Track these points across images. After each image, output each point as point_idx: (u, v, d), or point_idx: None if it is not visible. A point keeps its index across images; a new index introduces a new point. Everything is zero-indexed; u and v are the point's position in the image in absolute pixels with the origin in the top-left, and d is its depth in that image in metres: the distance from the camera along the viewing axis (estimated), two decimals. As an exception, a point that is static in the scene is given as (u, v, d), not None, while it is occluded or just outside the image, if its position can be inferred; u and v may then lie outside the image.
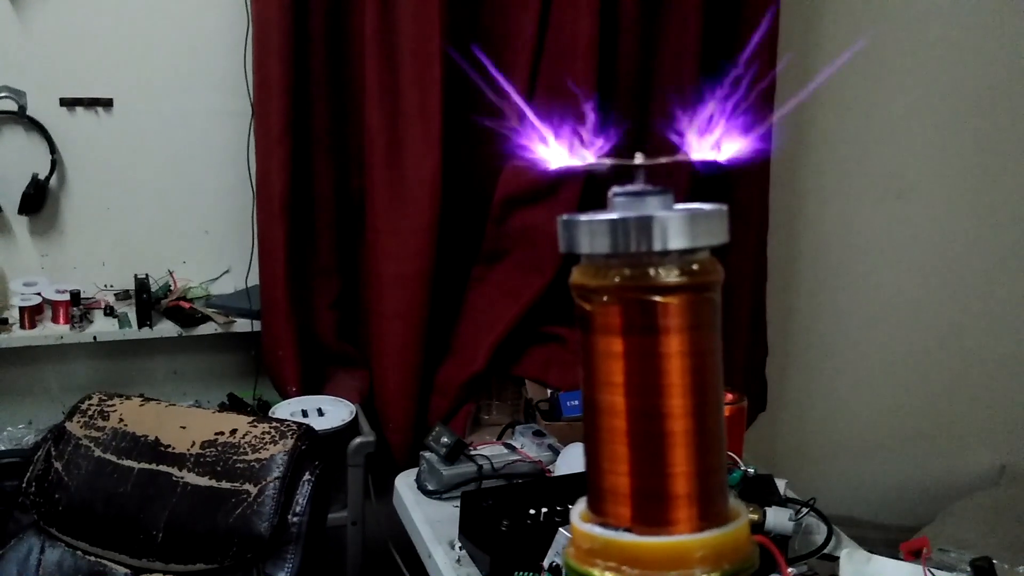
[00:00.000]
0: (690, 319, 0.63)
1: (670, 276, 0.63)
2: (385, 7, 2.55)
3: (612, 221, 0.63)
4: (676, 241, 0.62)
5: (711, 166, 0.69)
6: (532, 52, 2.62)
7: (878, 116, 3.31)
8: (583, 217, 0.64)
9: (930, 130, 3.37)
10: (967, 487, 3.47)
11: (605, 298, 0.64)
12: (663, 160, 0.65)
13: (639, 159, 0.64)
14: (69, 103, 2.65)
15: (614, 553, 0.64)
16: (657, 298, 0.62)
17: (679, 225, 0.62)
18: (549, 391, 2.65)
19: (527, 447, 2.30)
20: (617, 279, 0.63)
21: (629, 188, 0.65)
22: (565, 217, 0.65)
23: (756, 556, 0.66)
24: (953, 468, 3.61)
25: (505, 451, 2.28)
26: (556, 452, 2.27)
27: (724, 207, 0.65)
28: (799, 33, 3.08)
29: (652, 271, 0.62)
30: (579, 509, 0.69)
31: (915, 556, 1.80)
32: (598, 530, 0.66)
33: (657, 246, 0.62)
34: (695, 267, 0.63)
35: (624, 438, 0.64)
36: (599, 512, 0.66)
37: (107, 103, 2.68)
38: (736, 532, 0.65)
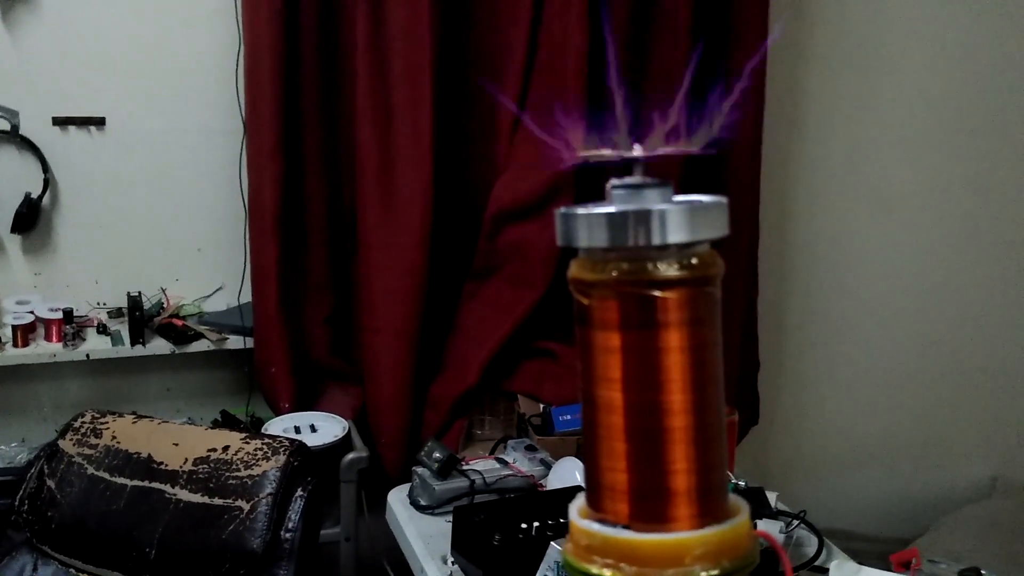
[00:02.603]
0: (689, 313, 0.62)
1: (669, 270, 0.62)
2: (376, 24, 2.56)
3: (610, 214, 0.62)
4: (675, 235, 0.61)
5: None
6: (523, 67, 2.63)
7: (866, 130, 3.32)
8: (581, 210, 0.63)
9: (919, 143, 3.38)
10: (959, 499, 3.47)
11: (603, 292, 0.63)
12: (661, 152, 0.64)
13: (637, 151, 0.64)
14: (62, 122, 2.66)
15: (612, 550, 0.64)
16: (656, 292, 0.61)
17: (678, 218, 0.61)
18: (542, 406, 2.65)
19: (519, 462, 2.30)
20: (615, 273, 0.62)
21: (627, 180, 0.64)
22: (563, 210, 0.64)
23: (756, 553, 0.65)
24: (945, 480, 3.61)
25: (497, 466, 2.28)
26: (548, 467, 2.27)
27: (724, 199, 0.64)
28: (789, 45, 3.10)
29: (651, 265, 0.61)
30: (578, 505, 0.68)
31: (905, 567, 1.80)
32: (596, 527, 0.65)
33: (656, 240, 0.61)
34: (694, 261, 0.62)
35: (622, 434, 0.63)
36: (597, 508, 0.65)
37: (99, 122, 2.69)
38: (736, 529, 0.64)
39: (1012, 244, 3.52)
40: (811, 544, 2.04)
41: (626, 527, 0.64)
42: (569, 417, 2.53)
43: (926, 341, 3.54)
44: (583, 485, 1.95)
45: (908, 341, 3.53)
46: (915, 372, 3.55)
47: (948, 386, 3.59)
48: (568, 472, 2.16)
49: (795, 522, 2.09)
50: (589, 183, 2.61)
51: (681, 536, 0.63)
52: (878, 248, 3.43)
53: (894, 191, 3.40)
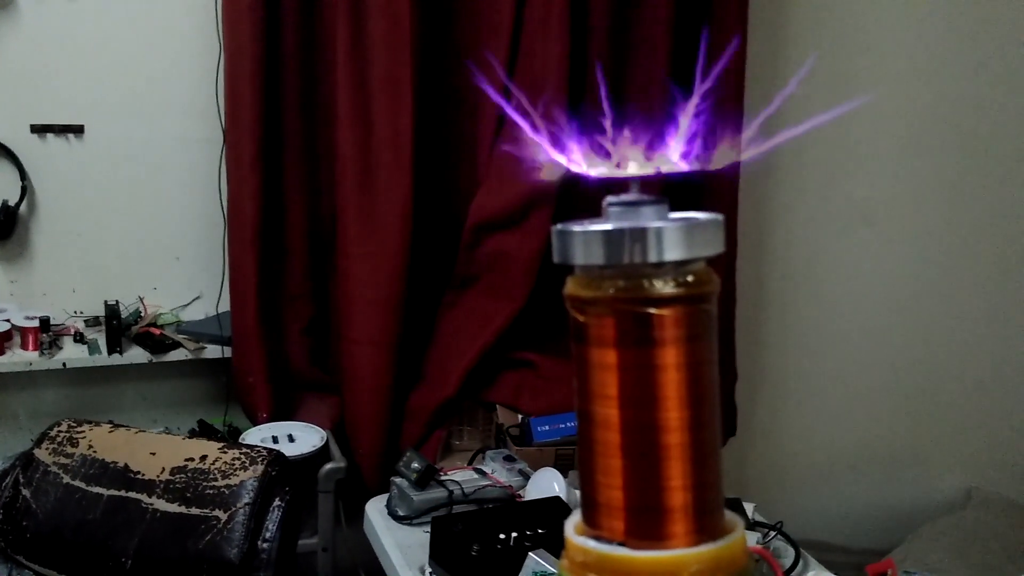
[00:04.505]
0: (686, 331, 0.62)
1: (666, 288, 0.61)
2: (356, 33, 2.56)
3: (607, 231, 0.61)
4: (672, 252, 0.61)
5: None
6: (504, 77, 2.64)
7: (843, 145, 3.34)
8: (577, 227, 0.62)
9: (894, 158, 3.40)
10: (934, 511, 3.48)
11: (599, 309, 0.63)
12: (650, 174, 0.64)
13: (632, 169, 0.64)
14: (40, 129, 2.65)
15: (608, 567, 0.63)
16: (652, 310, 0.61)
17: (675, 236, 0.61)
18: (520, 416, 2.66)
19: (498, 472, 2.31)
20: (611, 290, 0.62)
21: (624, 197, 0.64)
22: (559, 226, 0.64)
23: (752, 570, 0.65)
24: (920, 492, 3.63)
25: (476, 476, 2.28)
26: (526, 477, 2.27)
27: (720, 216, 0.64)
28: (767, 58, 3.11)
29: (647, 282, 0.61)
30: (573, 521, 0.67)
31: (880, 578, 1.82)
32: (592, 543, 0.64)
33: (652, 257, 0.61)
34: (690, 278, 0.62)
35: (618, 451, 0.63)
36: (593, 525, 0.65)
37: (78, 129, 2.68)
38: (732, 546, 0.64)
39: (987, 257, 3.55)
40: (788, 555, 2.05)
41: (622, 544, 0.64)
42: (547, 428, 2.54)
43: (902, 353, 3.56)
44: (561, 496, 1.95)
45: (884, 353, 3.54)
46: (891, 384, 3.57)
47: (923, 398, 3.60)
48: (546, 483, 2.16)
49: (772, 533, 2.10)
50: (570, 195, 2.62)
51: (677, 553, 0.63)
52: (854, 261, 3.45)
53: (870, 205, 3.42)
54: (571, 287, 0.65)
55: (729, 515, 0.66)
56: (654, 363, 0.62)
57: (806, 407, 3.53)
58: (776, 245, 3.36)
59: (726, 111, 2.87)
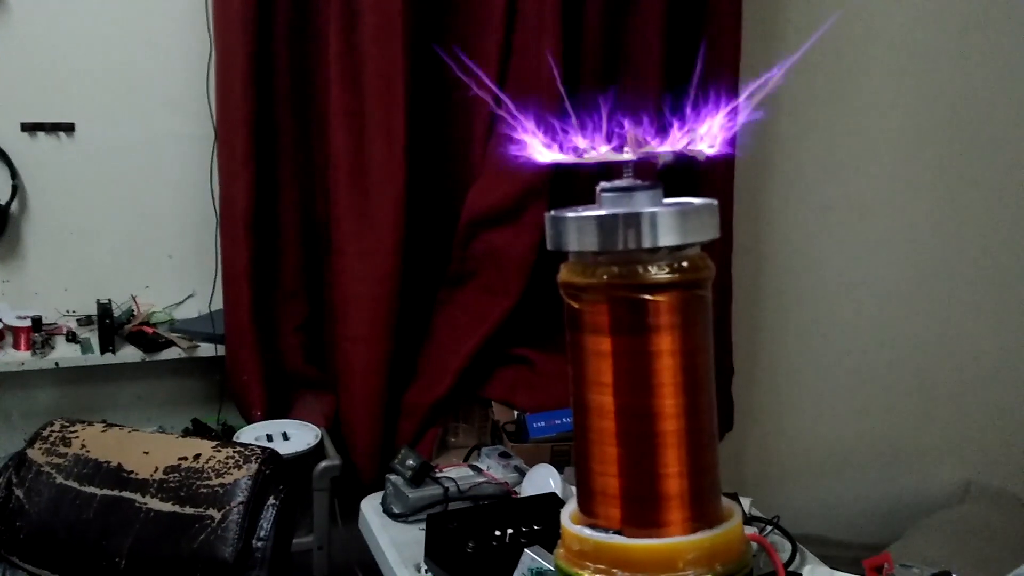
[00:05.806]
0: (680, 317, 0.62)
1: (660, 273, 0.61)
2: (348, 29, 2.55)
3: (600, 217, 0.61)
4: (666, 237, 0.60)
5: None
6: (496, 74, 2.63)
7: (840, 138, 3.34)
8: (570, 213, 0.62)
9: (891, 151, 3.40)
10: (933, 504, 3.48)
11: (594, 296, 0.62)
12: (646, 152, 0.63)
13: (626, 154, 0.63)
14: (30, 128, 2.64)
15: (605, 555, 0.63)
16: (647, 296, 0.61)
17: (669, 221, 0.60)
18: (516, 413, 2.65)
19: (493, 469, 2.30)
20: (606, 277, 0.61)
21: (617, 183, 0.63)
22: (553, 213, 0.63)
23: (750, 556, 0.65)
24: (919, 486, 3.63)
25: (471, 473, 2.27)
26: (522, 474, 2.26)
27: (714, 202, 0.63)
28: (760, 53, 3.10)
29: (641, 268, 0.61)
30: (570, 510, 0.67)
31: (877, 572, 1.81)
32: (588, 532, 0.64)
33: (647, 243, 0.60)
34: (685, 264, 0.62)
35: (613, 438, 0.62)
36: (589, 513, 0.65)
37: (69, 128, 2.67)
38: (729, 533, 0.63)
39: (983, 250, 3.55)
40: (785, 550, 2.05)
41: (618, 532, 0.63)
42: (543, 424, 2.53)
43: (899, 347, 3.56)
44: (557, 492, 1.94)
45: (881, 347, 3.54)
46: (888, 378, 3.57)
47: (921, 392, 3.60)
48: (542, 479, 2.16)
49: (769, 528, 2.09)
50: (564, 190, 2.61)
51: (673, 541, 0.62)
52: (850, 255, 3.45)
53: (866, 199, 3.41)
54: (565, 274, 0.64)
55: (726, 502, 0.66)
56: (649, 349, 0.62)
57: (803, 401, 3.53)
58: (772, 240, 3.36)
59: (720, 102, 2.86)
